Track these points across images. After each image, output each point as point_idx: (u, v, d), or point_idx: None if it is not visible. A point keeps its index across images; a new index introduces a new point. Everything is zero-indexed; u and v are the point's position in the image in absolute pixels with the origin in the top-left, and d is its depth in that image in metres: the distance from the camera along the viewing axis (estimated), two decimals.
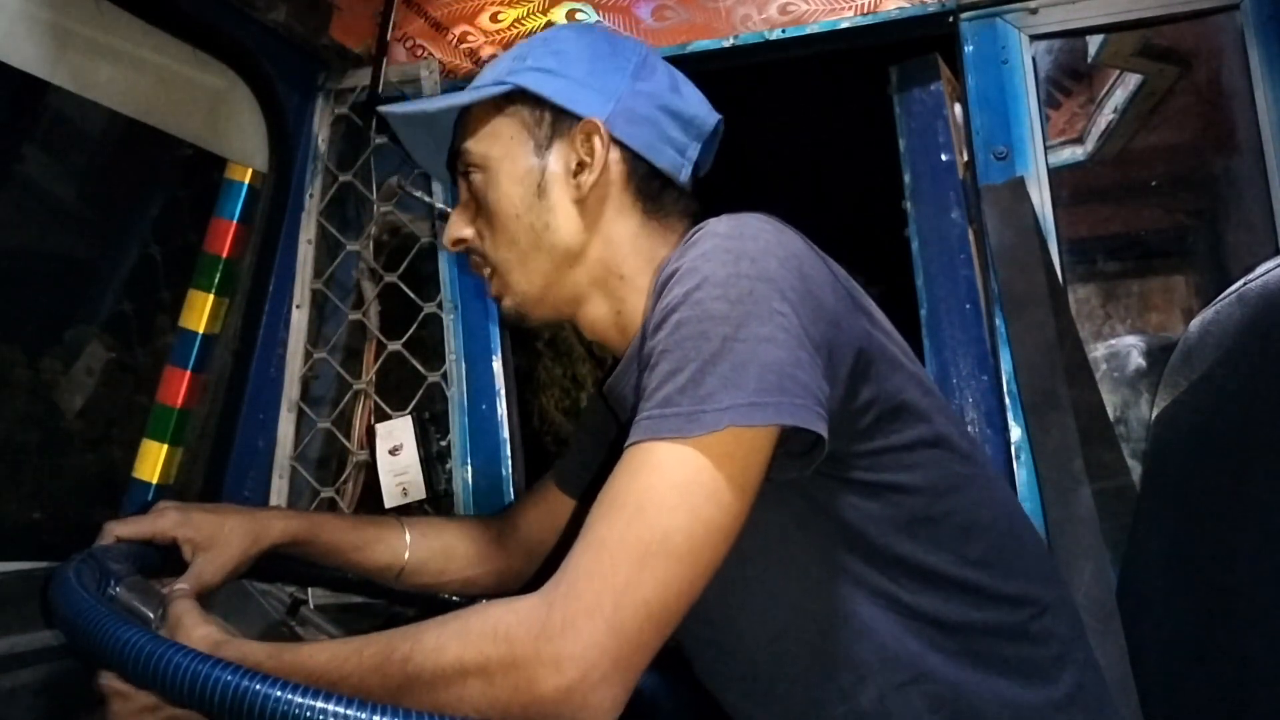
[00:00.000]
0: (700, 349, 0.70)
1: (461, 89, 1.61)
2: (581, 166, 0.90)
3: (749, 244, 0.75)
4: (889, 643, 0.81)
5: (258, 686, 0.58)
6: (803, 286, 0.74)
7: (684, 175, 0.93)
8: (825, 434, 0.71)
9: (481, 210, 0.93)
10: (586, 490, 1.17)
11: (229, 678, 0.59)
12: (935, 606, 0.81)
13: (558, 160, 0.91)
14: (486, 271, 0.95)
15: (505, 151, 0.91)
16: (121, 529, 0.96)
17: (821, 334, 0.74)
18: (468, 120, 0.95)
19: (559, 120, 0.91)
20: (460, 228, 0.95)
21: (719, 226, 0.78)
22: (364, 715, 0.57)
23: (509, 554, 1.18)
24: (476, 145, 0.93)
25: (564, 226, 0.90)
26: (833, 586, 0.81)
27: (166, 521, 0.97)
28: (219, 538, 0.98)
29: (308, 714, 0.57)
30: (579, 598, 0.64)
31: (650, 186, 0.92)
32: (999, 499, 0.90)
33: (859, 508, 0.80)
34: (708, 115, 0.95)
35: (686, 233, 0.88)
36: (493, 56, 1.56)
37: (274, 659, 0.71)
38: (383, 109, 0.98)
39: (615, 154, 0.90)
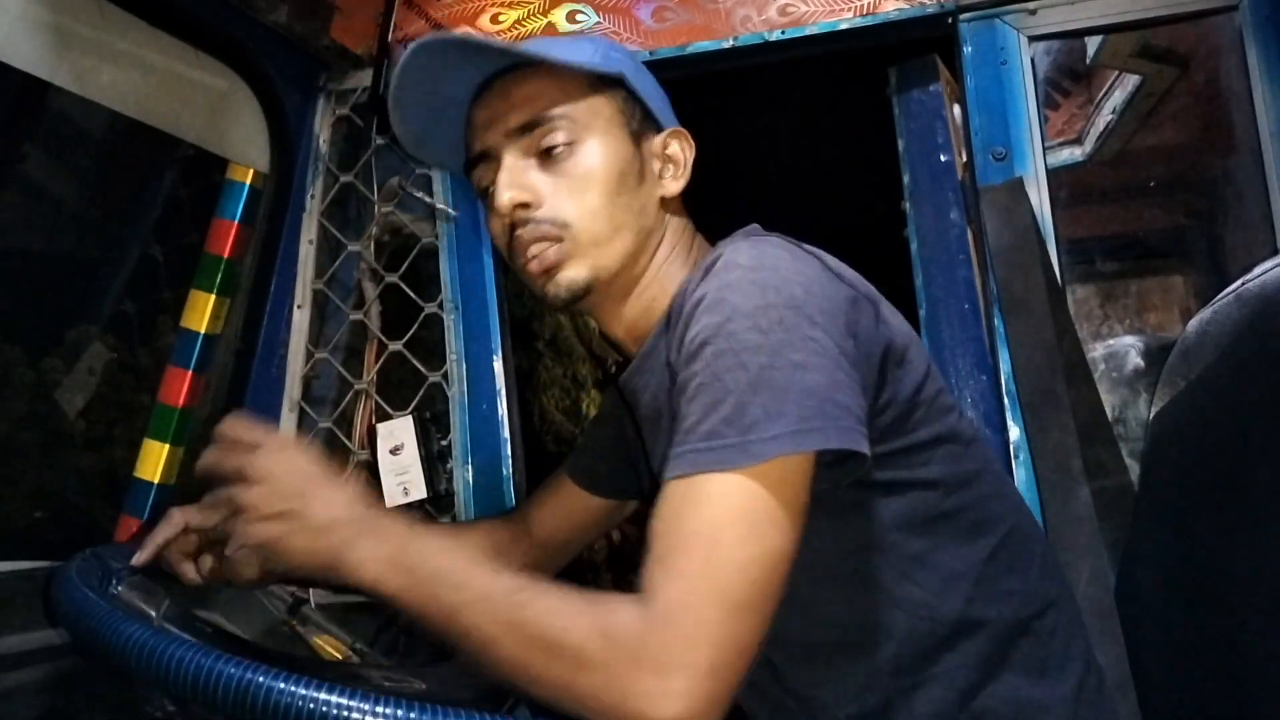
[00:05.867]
0: (739, 379, 0.72)
1: None
2: (664, 169, 0.94)
3: (770, 274, 0.77)
4: (901, 646, 0.83)
5: (260, 679, 0.58)
6: (829, 307, 0.77)
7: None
8: (868, 452, 0.74)
9: (562, 176, 0.89)
10: (602, 481, 1.19)
11: (231, 670, 0.59)
12: (947, 604, 0.83)
13: (648, 155, 0.94)
14: (543, 241, 0.89)
15: (606, 129, 0.91)
16: (186, 515, 0.97)
17: (850, 350, 0.77)
18: (556, 84, 0.90)
19: (645, 121, 0.94)
20: (526, 188, 0.89)
21: (739, 257, 0.80)
22: (366, 706, 0.58)
23: (523, 554, 1.19)
24: (578, 113, 0.90)
25: (651, 214, 0.93)
26: (852, 590, 0.84)
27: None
28: None
29: (310, 705, 0.57)
30: (675, 626, 0.67)
31: (686, 198, 0.98)
32: (1006, 494, 0.93)
33: (879, 506, 0.83)
34: None
35: (704, 242, 0.98)
36: None
37: (416, 541, 0.75)
38: (445, 36, 0.89)
39: None
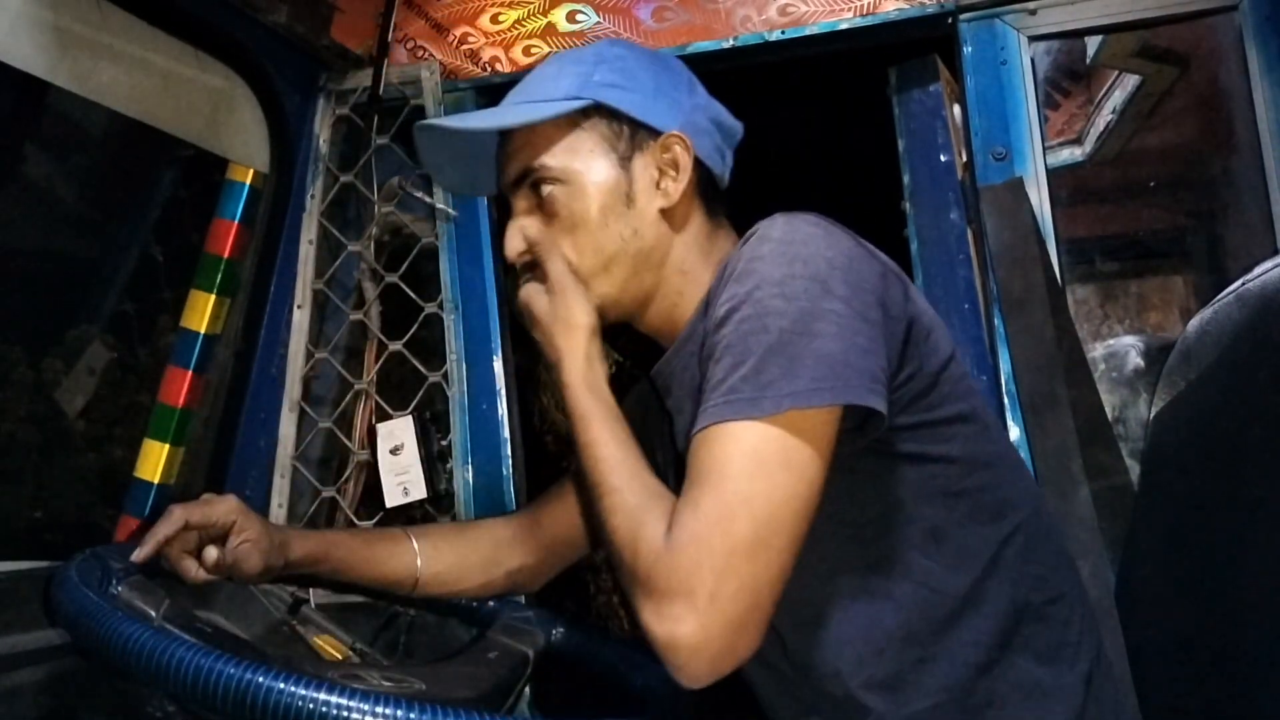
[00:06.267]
0: (761, 342, 0.78)
1: (464, 92, 1.63)
2: (663, 176, 0.96)
3: (800, 248, 0.82)
4: (910, 617, 0.86)
5: (260, 679, 0.58)
6: (853, 280, 0.81)
7: (726, 179, 1.02)
8: (883, 408, 0.78)
9: (555, 220, 0.95)
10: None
11: (231, 670, 0.60)
12: (958, 579, 0.85)
13: (642, 171, 0.95)
14: None
15: (587, 164, 0.95)
16: (187, 512, 0.99)
17: (877, 319, 0.81)
18: (535, 134, 0.96)
19: (637, 133, 0.96)
20: (525, 241, 0.97)
21: (772, 231, 0.84)
22: (366, 706, 0.58)
23: (527, 552, 1.19)
24: (554, 159, 0.95)
25: (649, 232, 0.96)
26: (865, 558, 0.86)
27: (226, 507, 1.02)
28: (263, 539, 1.02)
29: (310, 705, 0.57)
30: (680, 554, 0.74)
31: (709, 191, 1.00)
32: (1025, 483, 0.96)
33: (899, 476, 0.86)
34: (735, 124, 1.03)
35: (728, 229, 1.01)
36: (495, 59, 1.57)
37: (590, 414, 0.88)
38: (433, 122, 0.99)
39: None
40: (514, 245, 0.97)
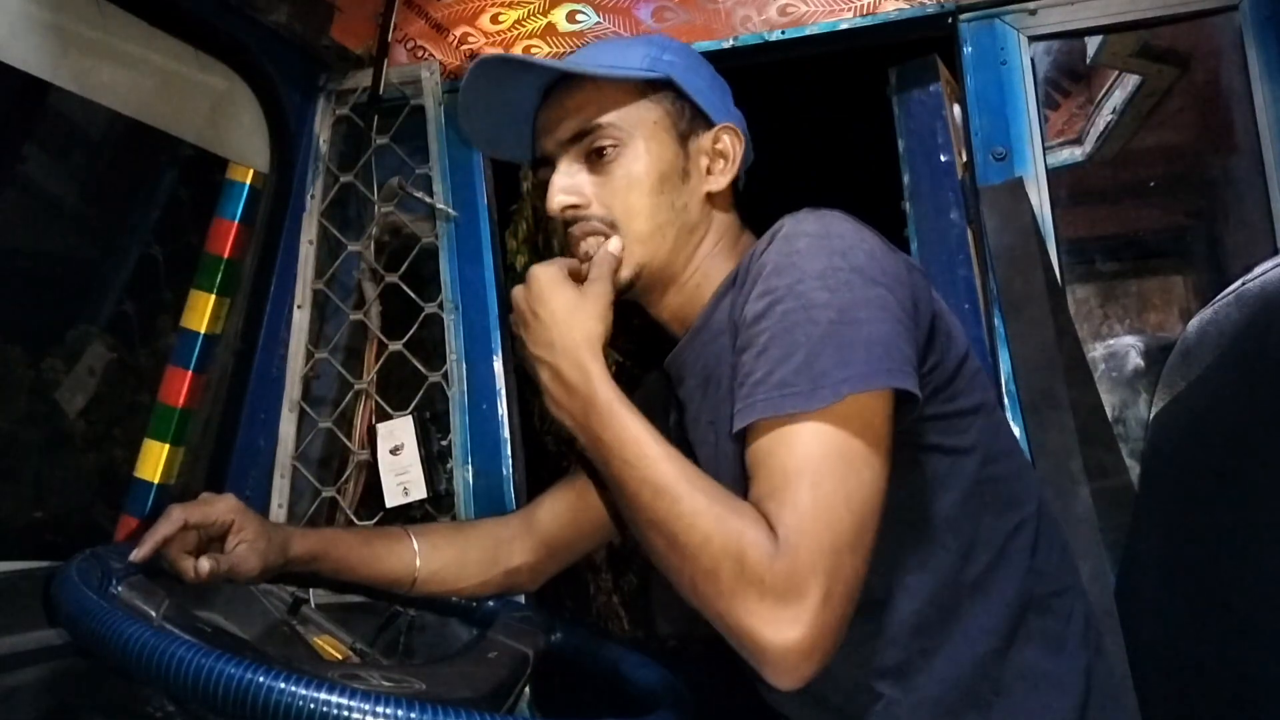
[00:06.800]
0: (810, 334, 0.79)
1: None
2: (714, 163, 1.00)
3: (837, 241, 0.84)
4: (922, 607, 0.87)
5: (260, 679, 0.58)
6: (890, 271, 0.83)
7: (741, 185, 1.05)
8: (919, 395, 0.80)
9: (609, 180, 0.97)
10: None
11: (231, 670, 0.59)
12: (970, 569, 0.87)
13: (696, 153, 0.99)
14: (594, 236, 0.97)
15: (651, 133, 0.97)
16: (186, 512, 0.99)
17: (910, 309, 0.83)
18: (603, 93, 0.97)
19: (696, 119, 1.00)
20: (574, 191, 0.98)
21: (805, 225, 0.86)
22: (366, 706, 0.58)
23: (526, 552, 1.19)
24: (622, 120, 0.97)
25: (695, 210, 0.99)
26: (882, 548, 0.86)
27: (225, 506, 1.02)
28: (261, 539, 1.02)
29: (310, 705, 0.57)
30: (793, 556, 0.72)
31: (736, 190, 1.04)
32: (1031, 477, 0.99)
33: (919, 467, 0.87)
34: (750, 151, 1.06)
35: (748, 231, 1.04)
36: None
37: (621, 408, 0.85)
38: (505, 54, 1.00)
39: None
40: (560, 198, 0.97)
